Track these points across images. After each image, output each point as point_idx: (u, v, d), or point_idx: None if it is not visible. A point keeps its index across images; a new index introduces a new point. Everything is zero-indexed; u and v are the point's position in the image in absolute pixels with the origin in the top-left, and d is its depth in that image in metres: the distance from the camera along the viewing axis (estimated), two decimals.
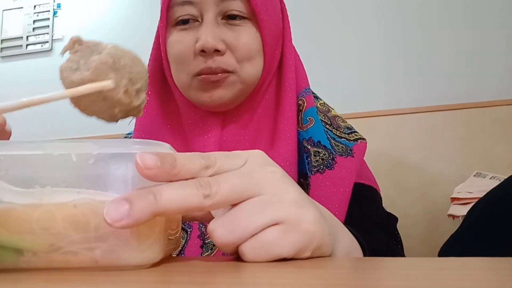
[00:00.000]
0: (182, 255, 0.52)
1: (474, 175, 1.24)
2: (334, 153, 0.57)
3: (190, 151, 0.60)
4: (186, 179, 0.26)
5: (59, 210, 0.24)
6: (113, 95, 0.30)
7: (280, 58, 0.61)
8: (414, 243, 1.29)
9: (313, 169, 0.55)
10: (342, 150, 0.58)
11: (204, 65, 0.54)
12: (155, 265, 0.27)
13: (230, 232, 0.26)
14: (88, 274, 0.24)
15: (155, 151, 0.25)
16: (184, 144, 0.60)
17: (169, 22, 0.57)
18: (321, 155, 0.56)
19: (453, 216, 1.13)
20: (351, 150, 0.58)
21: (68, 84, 0.30)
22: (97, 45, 0.32)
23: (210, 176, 0.27)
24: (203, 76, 0.54)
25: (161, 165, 0.24)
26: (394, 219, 0.60)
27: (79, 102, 0.30)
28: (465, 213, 0.84)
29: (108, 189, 0.25)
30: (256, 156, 0.30)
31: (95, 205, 0.24)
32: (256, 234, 0.26)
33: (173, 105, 0.62)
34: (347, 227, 0.38)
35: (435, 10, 1.46)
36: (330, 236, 0.30)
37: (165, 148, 0.27)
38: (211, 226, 0.27)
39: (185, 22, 0.56)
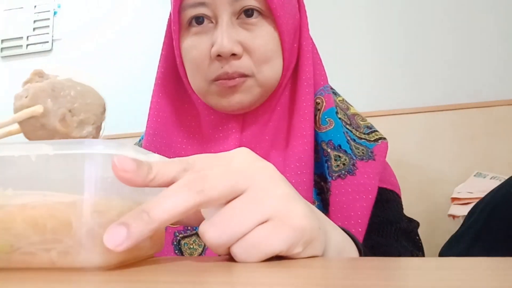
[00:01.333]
0: None
1: (474, 175, 1.24)
2: (355, 158, 0.54)
3: (208, 152, 0.57)
4: (164, 184, 0.26)
5: (20, 211, 0.24)
6: (49, 123, 0.30)
7: (298, 49, 0.59)
8: None
9: (333, 174, 0.53)
10: (363, 153, 0.56)
11: (221, 70, 0.52)
12: (131, 266, 0.27)
13: (221, 233, 0.26)
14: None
15: (132, 157, 0.25)
16: (200, 145, 0.58)
17: (182, 25, 0.55)
18: (342, 159, 0.54)
19: (454, 216, 1.13)
20: (372, 152, 0.56)
21: (14, 111, 0.31)
22: (55, 78, 0.32)
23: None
24: (220, 81, 0.52)
25: (137, 169, 0.25)
26: (416, 225, 0.59)
27: (23, 128, 0.31)
28: (465, 213, 0.84)
29: (68, 189, 0.25)
30: (242, 154, 0.30)
31: (52, 207, 0.24)
32: (246, 234, 0.26)
33: (189, 106, 0.60)
34: (342, 228, 0.38)
35: (438, 10, 1.46)
36: (320, 230, 0.30)
37: (128, 149, 0.27)
38: (202, 227, 0.26)
39: (198, 22, 0.53)
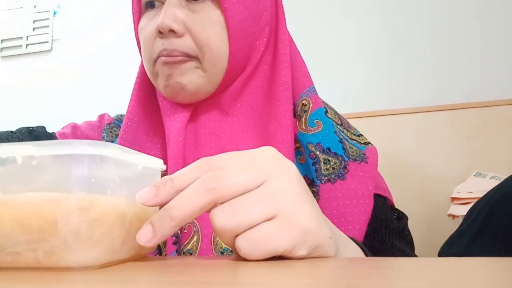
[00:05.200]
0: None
1: (474, 175, 1.24)
2: (347, 159, 0.52)
3: (165, 139, 0.56)
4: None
5: (7, 210, 0.25)
6: None
7: (273, 52, 0.57)
8: (414, 243, 1.29)
9: (323, 177, 0.51)
10: (356, 154, 0.54)
11: (161, 47, 0.51)
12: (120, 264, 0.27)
13: (230, 218, 0.27)
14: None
15: (153, 183, 0.29)
16: (162, 133, 0.57)
17: (141, 9, 0.56)
18: (331, 163, 0.52)
19: (453, 216, 1.13)
20: (364, 154, 0.54)
21: None
22: None
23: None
24: (160, 58, 0.52)
25: (157, 192, 0.28)
26: (405, 221, 0.57)
27: None
28: (465, 213, 0.84)
29: (54, 189, 0.25)
30: (267, 152, 0.31)
31: (38, 206, 0.24)
32: (252, 227, 0.27)
33: (155, 97, 0.60)
34: (354, 241, 0.38)
35: (437, 10, 1.46)
36: (331, 239, 0.30)
37: (113, 149, 0.27)
38: (213, 212, 0.27)
39: (151, 5, 0.54)
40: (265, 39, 0.57)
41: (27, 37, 1.94)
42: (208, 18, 0.52)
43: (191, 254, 0.48)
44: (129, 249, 0.29)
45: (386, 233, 0.53)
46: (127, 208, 0.28)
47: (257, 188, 0.28)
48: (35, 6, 1.96)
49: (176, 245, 0.49)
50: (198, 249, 0.48)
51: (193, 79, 0.52)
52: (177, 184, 0.28)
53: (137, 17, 0.57)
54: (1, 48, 1.96)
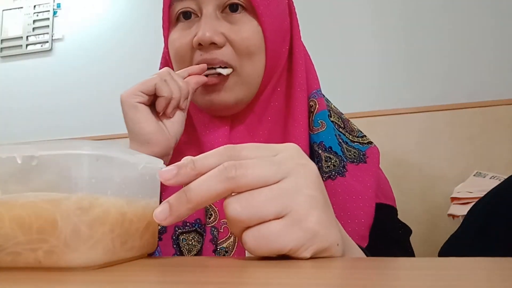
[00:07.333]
0: None
1: (474, 175, 1.24)
2: (345, 160, 0.54)
3: (202, 150, 0.58)
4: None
5: (7, 211, 0.25)
6: None
7: (288, 56, 0.59)
8: (414, 243, 1.29)
9: (324, 175, 0.53)
10: (354, 156, 0.56)
11: (200, 57, 0.53)
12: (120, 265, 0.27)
13: (243, 210, 0.27)
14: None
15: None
16: (197, 143, 0.59)
17: (171, 20, 0.57)
18: (332, 161, 0.54)
19: (453, 216, 1.13)
20: (364, 155, 0.56)
21: None
22: None
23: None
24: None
25: (178, 172, 0.28)
26: (408, 233, 0.59)
27: None
28: (465, 213, 0.84)
29: (55, 189, 0.25)
30: (290, 149, 0.31)
31: (38, 206, 0.24)
32: (261, 223, 0.27)
33: None
34: (363, 249, 0.38)
35: (434, 9, 1.46)
36: (339, 246, 0.30)
37: (114, 149, 0.27)
38: (228, 200, 0.28)
39: (185, 16, 0.55)
40: (287, 47, 0.59)
41: (27, 37, 1.94)
42: (248, 30, 0.53)
43: (226, 251, 0.50)
44: (129, 249, 0.29)
45: (386, 240, 0.53)
46: (127, 208, 0.28)
47: (274, 184, 0.28)
48: (35, 6, 1.96)
49: (212, 243, 0.51)
50: (235, 248, 0.50)
51: (235, 96, 0.55)
52: (198, 167, 0.28)
53: (167, 30, 0.58)
54: (1, 48, 1.95)
